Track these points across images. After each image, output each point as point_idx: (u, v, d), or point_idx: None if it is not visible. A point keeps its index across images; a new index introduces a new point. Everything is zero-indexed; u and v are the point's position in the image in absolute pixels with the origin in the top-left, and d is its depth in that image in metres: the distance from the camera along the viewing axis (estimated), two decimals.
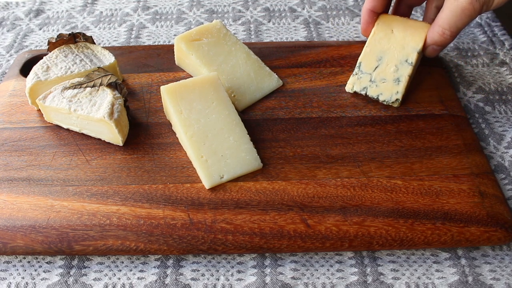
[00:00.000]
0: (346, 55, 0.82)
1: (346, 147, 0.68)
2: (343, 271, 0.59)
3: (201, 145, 0.65)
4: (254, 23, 0.97)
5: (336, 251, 0.60)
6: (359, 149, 0.67)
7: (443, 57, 0.87)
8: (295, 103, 0.74)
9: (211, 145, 0.65)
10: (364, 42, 0.82)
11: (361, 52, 0.75)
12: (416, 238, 0.58)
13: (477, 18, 0.94)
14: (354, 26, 0.96)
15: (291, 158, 0.66)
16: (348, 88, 0.74)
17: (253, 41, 0.92)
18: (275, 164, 0.66)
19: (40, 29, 0.97)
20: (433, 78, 0.78)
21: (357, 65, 0.74)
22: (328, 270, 0.59)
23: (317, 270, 0.59)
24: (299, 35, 0.94)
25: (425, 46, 0.72)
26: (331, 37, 0.93)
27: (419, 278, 0.58)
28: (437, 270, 0.59)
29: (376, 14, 0.76)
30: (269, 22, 0.97)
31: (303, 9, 1.00)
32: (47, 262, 0.60)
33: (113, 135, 0.67)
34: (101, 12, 1.01)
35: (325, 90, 0.76)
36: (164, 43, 0.92)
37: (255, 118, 0.72)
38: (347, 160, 0.66)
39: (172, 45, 0.79)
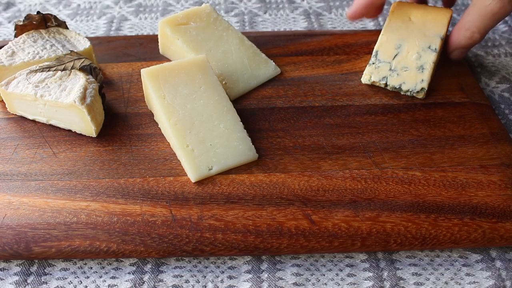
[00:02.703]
0: (352, 43, 0.75)
1: (355, 137, 0.61)
2: (355, 275, 0.51)
3: (187, 133, 0.57)
4: (249, 14, 0.89)
5: (346, 252, 0.53)
6: (370, 138, 0.61)
7: None
8: (295, 92, 0.67)
9: (198, 133, 0.57)
10: (371, 31, 0.78)
11: (368, 40, 0.72)
12: (441, 236, 0.52)
13: None
14: None
15: (291, 148, 0.60)
16: (365, 79, 0.68)
17: None
18: (272, 155, 0.59)
19: (9, 22, 0.88)
20: (451, 66, 0.72)
21: (373, 54, 0.68)
22: (337, 275, 0.52)
23: (324, 275, 0.51)
24: (299, 26, 0.86)
25: (449, 51, 0.70)
26: (335, 28, 0.86)
27: (446, 283, 0.51)
28: (467, 274, 0.51)
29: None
30: (265, 13, 0.89)
31: (303, 0, 0.92)
32: (0, 269, 0.52)
33: (85, 124, 0.59)
34: (79, 5, 0.92)
35: (328, 78, 0.69)
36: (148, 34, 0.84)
37: (249, 107, 0.65)
38: (356, 151, 0.60)
39: (157, 35, 0.72)
